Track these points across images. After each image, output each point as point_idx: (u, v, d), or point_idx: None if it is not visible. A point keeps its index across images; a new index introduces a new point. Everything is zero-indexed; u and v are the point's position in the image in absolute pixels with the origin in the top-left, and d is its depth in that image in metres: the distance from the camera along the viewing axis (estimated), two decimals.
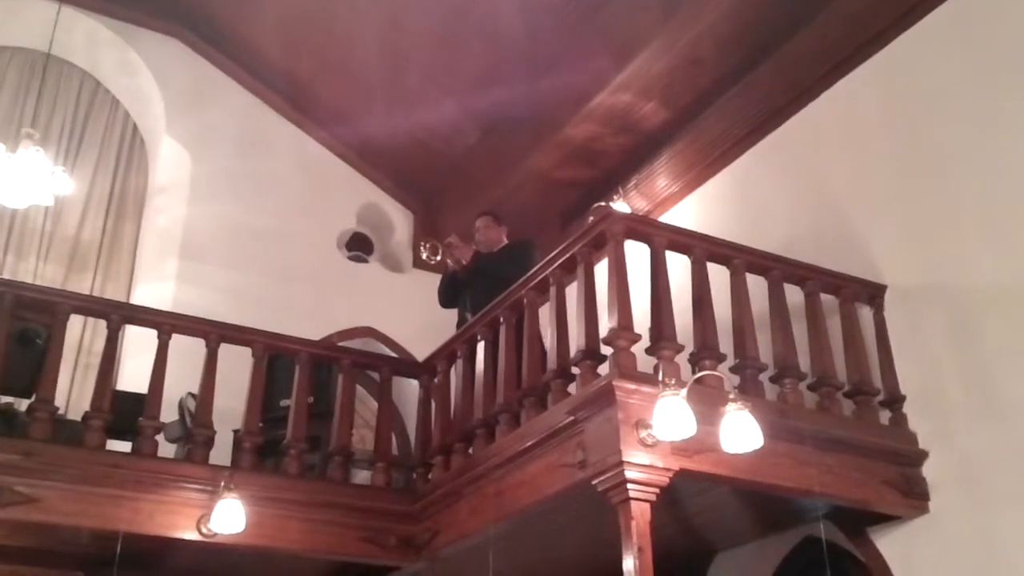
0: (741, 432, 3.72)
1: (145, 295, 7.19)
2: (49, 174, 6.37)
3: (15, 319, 4.97)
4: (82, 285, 7.20)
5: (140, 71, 7.90)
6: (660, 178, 6.65)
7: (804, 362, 4.53)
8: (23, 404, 5.04)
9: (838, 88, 5.53)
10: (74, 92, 7.81)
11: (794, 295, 4.73)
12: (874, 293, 4.90)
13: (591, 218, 4.49)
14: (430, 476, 5.46)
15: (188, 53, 8.01)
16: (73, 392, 6.60)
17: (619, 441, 3.76)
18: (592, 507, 4.05)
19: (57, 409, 4.93)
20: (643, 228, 4.51)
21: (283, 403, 5.64)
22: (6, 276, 6.79)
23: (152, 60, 7.87)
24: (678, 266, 4.51)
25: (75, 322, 5.71)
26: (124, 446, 5.11)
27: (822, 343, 4.63)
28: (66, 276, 7.27)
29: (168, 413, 5.37)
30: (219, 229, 7.57)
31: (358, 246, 8.13)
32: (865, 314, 4.88)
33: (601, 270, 4.34)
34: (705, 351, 4.24)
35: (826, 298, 4.77)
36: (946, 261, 4.66)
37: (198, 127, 7.85)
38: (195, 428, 5.18)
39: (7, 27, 7.61)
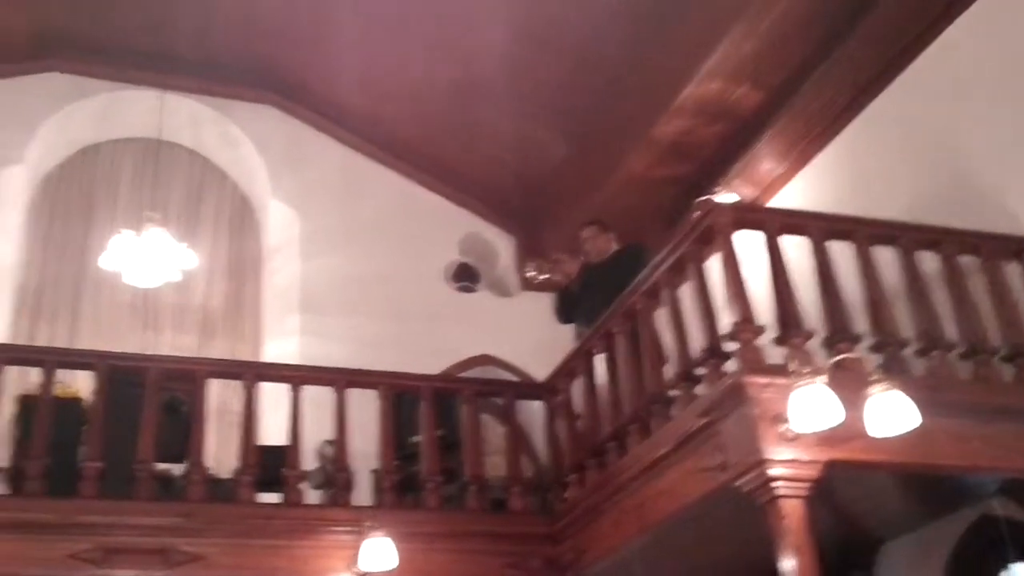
0: (892, 413, 3.41)
1: (274, 352, 7.32)
2: (173, 251, 6.58)
3: (161, 391, 5.13)
4: (215, 350, 7.37)
5: (241, 142, 8.07)
6: (764, 162, 6.35)
7: (949, 331, 4.18)
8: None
9: (944, 39, 5.17)
10: (185, 171, 8.02)
11: (928, 262, 4.36)
12: (1019, 247, 4.48)
13: (695, 214, 4.30)
14: (566, 495, 5.29)
15: (282, 117, 8.12)
16: (220, 451, 6.75)
17: (757, 439, 3.53)
18: (741, 509, 3.79)
19: (208, 470, 5.04)
20: (753, 216, 4.27)
21: (413, 439, 5.62)
22: (148, 350, 7.06)
23: (251, 130, 8.03)
24: (795, 249, 4.21)
25: (213, 385, 5.84)
26: (273, 497, 5.15)
27: (968, 308, 4.24)
28: (200, 343, 7.45)
29: (308, 461, 5.42)
30: (333, 280, 7.61)
31: (464, 276, 8.06)
32: (1012, 270, 4.46)
33: (712, 265, 4.14)
34: (839, 334, 3.94)
35: (964, 260, 4.39)
36: None
37: (301, 186, 7.95)
38: (335, 473, 5.21)
39: (119, 121, 7.88)
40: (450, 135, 7.92)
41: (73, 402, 5.20)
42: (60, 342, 6.89)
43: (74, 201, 7.65)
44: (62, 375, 5.17)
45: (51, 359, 5.04)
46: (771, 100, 6.17)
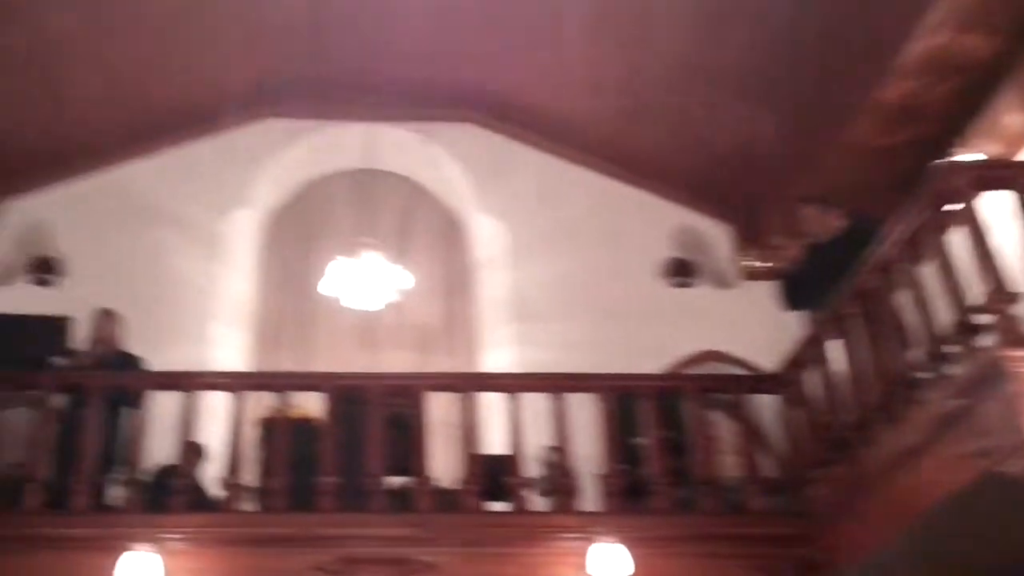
0: None
1: (492, 363, 7.59)
2: (389, 273, 7.02)
3: (385, 407, 5.45)
4: (434, 365, 7.75)
5: (445, 161, 8.42)
6: (1005, 114, 5.83)
7: None
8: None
9: None
10: (393, 195, 8.53)
11: None
12: None
13: (930, 179, 4.03)
14: (810, 493, 5.10)
15: (482, 133, 8.41)
16: (447, 463, 7.08)
17: (1022, 418, 3.26)
18: (1010, 500, 3.52)
19: (436, 482, 5.28)
20: (998, 174, 3.92)
21: (637, 440, 5.62)
22: (371, 370, 7.52)
23: (453, 149, 8.37)
24: None
25: (435, 399, 6.13)
26: (500, 505, 5.33)
27: None
28: (421, 360, 7.86)
29: (532, 468, 5.54)
30: (544, 286, 7.77)
31: (680, 271, 7.98)
32: None
33: (954, 232, 3.86)
34: None
35: None
36: None
37: (505, 197, 8.18)
38: (560, 479, 5.29)
39: (330, 156, 8.50)
40: (651, 128, 7.84)
41: (307, 422, 5.64)
42: (293, 367, 7.52)
43: (296, 235, 8.33)
44: (296, 398, 5.66)
45: (283, 383, 5.50)
46: (1007, 46, 5.66)
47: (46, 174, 7.74)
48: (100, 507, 5.02)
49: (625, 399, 5.68)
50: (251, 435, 5.60)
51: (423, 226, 8.50)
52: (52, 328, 5.55)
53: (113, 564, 4.57)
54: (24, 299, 7.10)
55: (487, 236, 8.23)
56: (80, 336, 5.95)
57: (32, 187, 7.74)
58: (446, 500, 5.24)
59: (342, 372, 6.30)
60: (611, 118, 7.98)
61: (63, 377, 5.38)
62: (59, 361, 5.52)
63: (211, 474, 5.48)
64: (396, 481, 5.38)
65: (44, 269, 7.37)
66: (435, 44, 7.51)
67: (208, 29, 7.06)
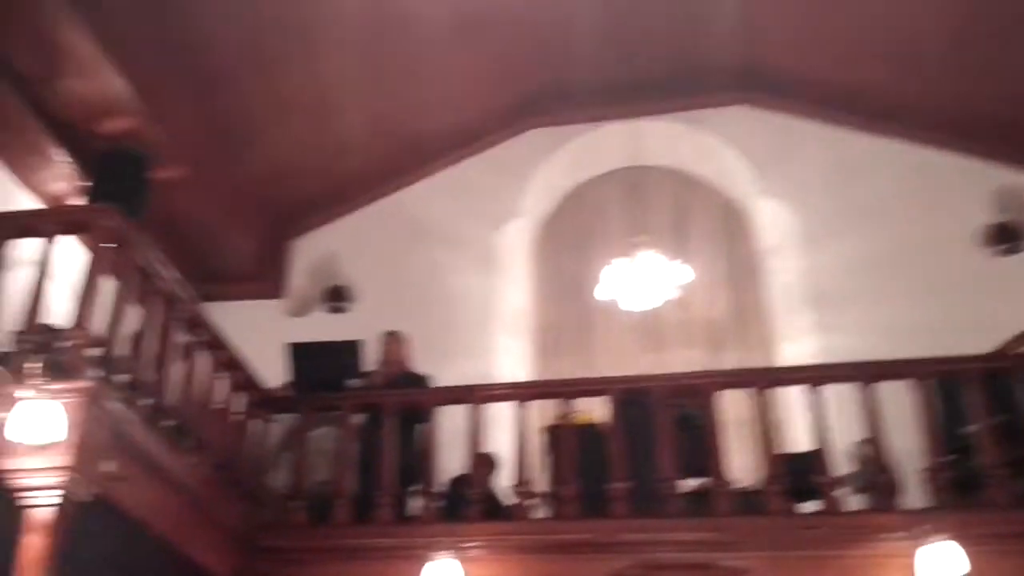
0: None
1: (790, 354, 7.30)
2: (667, 270, 6.97)
3: (673, 408, 5.37)
4: (725, 361, 7.56)
5: (718, 148, 8.24)
6: None
7: None
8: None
9: None
10: (666, 190, 8.46)
11: None
12: None
13: None
14: None
15: (758, 114, 8.17)
16: (746, 462, 6.87)
17: None
18: None
19: (735, 484, 5.11)
20: None
21: (965, 429, 5.13)
22: (656, 371, 7.50)
23: (726, 134, 8.19)
24: None
25: (729, 396, 5.97)
26: (810, 506, 5.07)
27: None
28: (710, 356, 7.68)
29: (842, 465, 5.21)
30: (841, 268, 7.36)
31: (1003, 237, 7.18)
32: None
33: None
34: None
35: None
36: None
37: (789, 179, 7.86)
38: (876, 475, 4.95)
39: (596, 158, 8.60)
40: (953, 84, 7.21)
41: (593, 427, 5.69)
42: (575, 372, 7.58)
43: (569, 240, 8.48)
44: (581, 404, 5.73)
45: (567, 391, 5.56)
46: None
47: (329, 209, 8.47)
48: (402, 518, 5.32)
49: (947, 384, 5.25)
50: (538, 443, 5.74)
51: (700, 218, 8.34)
52: (348, 352, 6.02)
53: (416, 572, 4.83)
54: (321, 327, 7.77)
55: (772, 222, 7.94)
56: (372, 358, 6.41)
57: (318, 223, 8.49)
58: (748, 502, 5.06)
59: (627, 375, 6.29)
60: (902, 82, 7.45)
61: (361, 398, 5.79)
62: (355, 383, 5.98)
63: (503, 483, 5.68)
64: (691, 484, 5.28)
65: (336, 297, 8.04)
66: (698, 27, 7.38)
67: (465, 53, 7.40)
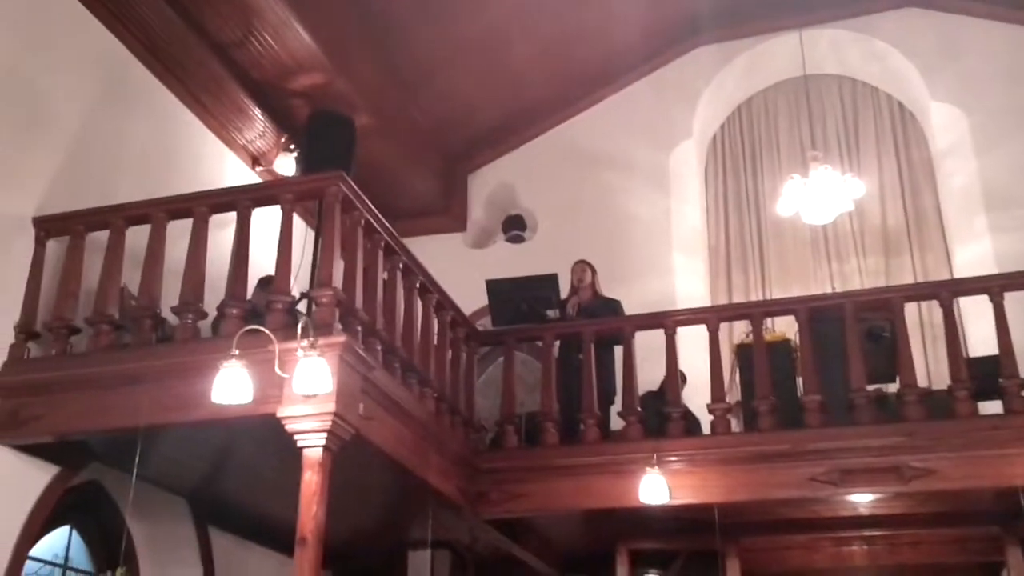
0: None
1: (964, 258, 7.46)
2: (840, 185, 7.14)
3: (859, 322, 5.66)
4: (903, 266, 7.80)
5: (887, 53, 8.27)
6: None
7: None
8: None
9: None
10: (835, 100, 8.58)
11: None
12: None
13: None
14: None
15: (924, 15, 8.16)
16: (930, 366, 7.14)
17: None
18: None
19: (921, 388, 5.40)
20: None
21: None
22: (836, 282, 7.77)
23: (895, 38, 8.21)
24: None
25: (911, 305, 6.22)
26: (993, 407, 5.31)
27: None
28: (886, 263, 7.90)
29: None
30: (1016, 169, 7.40)
31: None
32: None
33: None
34: None
35: None
36: None
37: (959, 80, 7.85)
38: None
39: (763, 71, 8.79)
40: None
41: (783, 343, 6.07)
42: (751, 288, 8.02)
43: (739, 156, 8.73)
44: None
45: (757, 311, 5.95)
46: None
47: (503, 142, 9.00)
48: (605, 437, 5.89)
49: None
50: (730, 361, 6.18)
51: (872, 125, 8.42)
52: (544, 285, 6.54)
53: (621, 486, 5.44)
54: (502, 257, 8.39)
55: (943, 124, 7.97)
56: (563, 287, 6.91)
57: (493, 156, 9.04)
58: (935, 405, 5.36)
59: (814, 295, 6.61)
60: None
61: (561, 327, 6.32)
62: (552, 313, 6.52)
63: (698, 400, 6.15)
64: (880, 392, 5.62)
65: (514, 226, 8.60)
66: None
67: None
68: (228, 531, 6.29)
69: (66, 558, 5.43)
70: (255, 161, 7.20)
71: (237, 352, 4.08)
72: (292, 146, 7.12)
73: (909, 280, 7.62)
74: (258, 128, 7.07)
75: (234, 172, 7.01)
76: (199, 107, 6.59)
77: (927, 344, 7.22)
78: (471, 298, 6.67)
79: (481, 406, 6.53)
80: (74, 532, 5.52)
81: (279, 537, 6.48)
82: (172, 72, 6.32)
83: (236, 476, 5.58)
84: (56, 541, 5.36)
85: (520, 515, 5.97)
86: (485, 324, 6.83)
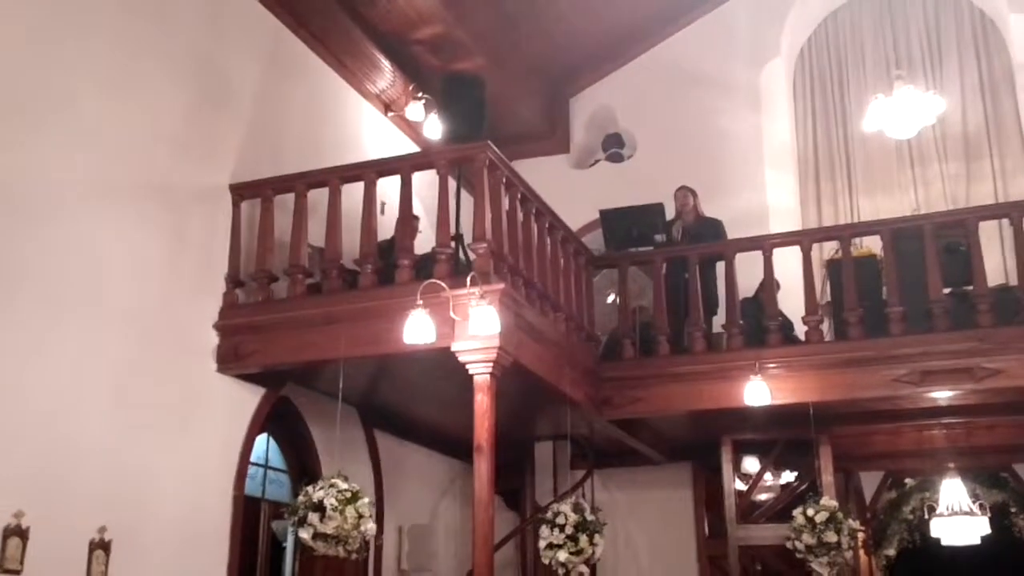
0: None
1: None
2: (923, 100, 7.82)
3: (938, 238, 6.50)
4: (982, 170, 8.53)
5: None
6: None
7: None
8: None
9: None
10: (918, 9, 9.13)
11: None
12: None
13: None
14: None
15: None
16: (1007, 263, 7.67)
17: None
18: None
19: (995, 286, 6.36)
20: None
21: None
22: (919, 187, 8.57)
23: None
24: None
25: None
26: None
27: None
28: (967, 167, 8.62)
29: None
30: None
31: None
32: None
33: None
34: None
35: None
36: None
37: None
38: None
39: None
40: None
41: (869, 259, 6.93)
42: (839, 195, 8.86)
43: (825, 72, 9.38)
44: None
45: (845, 234, 6.85)
46: None
47: (602, 66, 9.78)
48: (711, 347, 6.92)
49: None
50: (821, 275, 7.11)
51: (952, 34, 8.96)
52: (652, 212, 7.51)
53: (726, 390, 6.49)
54: (604, 176, 9.32)
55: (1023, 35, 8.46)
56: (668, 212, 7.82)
57: (594, 79, 9.84)
58: (1009, 302, 6.26)
59: (896, 217, 7.33)
60: None
61: (669, 251, 7.31)
62: (660, 237, 7.50)
63: (789, 304, 7.02)
64: (956, 301, 6.52)
65: (614, 144, 9.45)
66: None
67: None
68: (390, 433, 7.56)
69: (266, 459, 6.73)
70: (387, 107, 8.16)
71: (421, 302, 5.17)
72: (420, 93, 8.04)
73: (988, 184, 8.40)
74: (388, 78, 8.00)
75: (370, 120, 8.00)
76: (341, 67, 7.56)
77: (1005, 247, 7.94)
78: (576, 215, 7.67)
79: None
80: (270, 439, 6.80)
81: (433, 437, 7.85)
82: (317, 38, 7.27)
83: (401, 390, 6.81)
84: (258, 447, 6.64)
85: (639, 416, 7.08)
86: (588, 240, 7.77)
